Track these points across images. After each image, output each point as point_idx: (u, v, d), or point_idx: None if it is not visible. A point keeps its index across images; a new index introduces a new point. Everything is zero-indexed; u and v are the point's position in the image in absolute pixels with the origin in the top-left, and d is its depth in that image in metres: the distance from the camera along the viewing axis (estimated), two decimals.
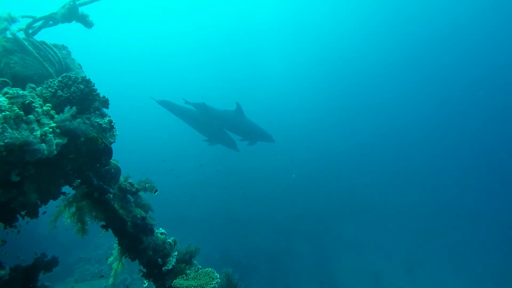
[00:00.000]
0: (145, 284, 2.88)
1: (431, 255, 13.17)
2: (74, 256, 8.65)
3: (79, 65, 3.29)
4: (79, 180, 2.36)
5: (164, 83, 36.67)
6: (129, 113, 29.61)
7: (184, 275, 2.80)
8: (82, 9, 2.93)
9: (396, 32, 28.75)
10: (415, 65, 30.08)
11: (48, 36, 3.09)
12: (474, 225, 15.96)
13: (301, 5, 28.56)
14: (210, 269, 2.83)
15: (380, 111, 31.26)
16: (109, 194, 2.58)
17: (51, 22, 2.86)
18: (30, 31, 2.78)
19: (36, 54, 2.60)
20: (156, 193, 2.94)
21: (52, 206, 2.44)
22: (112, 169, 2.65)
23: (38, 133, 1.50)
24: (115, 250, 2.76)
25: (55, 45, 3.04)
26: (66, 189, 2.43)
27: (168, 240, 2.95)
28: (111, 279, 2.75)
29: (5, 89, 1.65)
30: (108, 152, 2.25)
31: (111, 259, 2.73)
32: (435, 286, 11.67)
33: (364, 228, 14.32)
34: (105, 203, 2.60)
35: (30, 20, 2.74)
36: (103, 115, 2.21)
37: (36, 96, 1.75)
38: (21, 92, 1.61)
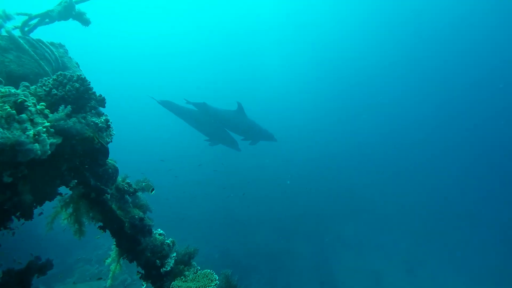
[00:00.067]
0: (143, 286, 2.84)
1: (431, 255, 13.15)
2: (74, 256, 8.61)
3: (77, 63, 3.24)
4: (76, 181, 2.32)
5: (164, 82, 36.62)
6: (129, 112, 29.58)
7: (182, 277, 2.77)
8: (79, 7, 2.89)
9: (396, 32, 28.71)
10: (415, 65, 30.06)
11: (45, 34, 3.05)
12: (474, 225, 15.95)
13: (301, 5, 28.51)
14: (208, 270, 2.79)
15: (380, 111, 31.25)
16: (106, 194, 2.54)
17: (47, 20, 2.82)
18: (26, 29, 2.74)
19: (32, 53, 2.56)
20: (153, 192, 2.90)
21: (49, 207, 2.41)
22: (110, 169, 2.61)
23: (31, 132, 1.46)
24: (113, 251, 2.72)
25: (52, 44, 3.00)
26: (63, 189, 2.39)
27: (167, 241, 2.91)
28: (109, 281, 2.71)
29: None
30: (105, 152, 2.21)
31: (108, 260, 2.69)
32: (435, 286, 11.65)
33: (364, 228, 14.30)
34: (103, 203, 2.56)
35: (25, 17, 2.70)
36: (99, 114, 2.16)
37: (30, 95, 1.71)
38: (13, 90, 1.57)
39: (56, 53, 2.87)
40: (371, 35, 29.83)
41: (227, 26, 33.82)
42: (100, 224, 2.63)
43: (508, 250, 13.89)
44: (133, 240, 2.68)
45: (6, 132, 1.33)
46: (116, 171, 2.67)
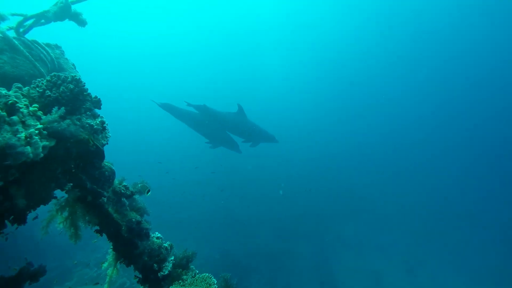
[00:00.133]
0: None
1: (431, 255, 13.13)
2: (73, 259, 8.55)
3: (73, 65, 3.20)
4: (72, 184, 2.28)
5: (162, 83, 36.57)
6: (127, 114, 29.51)
7: (180, 281, 2.73)
8: (75, 7, 2.85)
9: (396, 31, 28.69)
10: (415, 65, 30.05)
11: (41, 35, 3.01)
12: (474, 225, 15.94)
13: (300, 4, 28.48)
14: (207, 274, 2.75)
15: (380, 111, 31.25)
16: (103, 197, 2.50)
17: (43, 21, 2.78)
18: (21, 29, 2.70)
19: (27, 54, 2.52)
20: (149, 193, 2.86)
21: (44, 210, 2.37)
22: (106, 172, 2.56)
23: (22, 135, 1.42)
24: (110, 255, 2.68)
25: (47, 45, 2.95)
26: (59, 193, 2.35)
27: (164, 244, 2.87)
28: (105, 286, 2.67)
29: None
30: (100, 154, 2.17)
31: (105, 265, 2.65)
32: (435, 286, 11.62)
33: (364, 228, 14.28)
34: (99, 207, 2.52)
35: (20, 18, 2.66)
36: (95, 116, 2.12)
37: (22, 96, 1.67)
38: (4, 91, 1.53)
39: (52, 54, 2.83)
40: (371, 35, 29.81)
41: (226, 26, 33.77)
42: (97, 227, 2.59)
43: (508, 250, 13.88)
44: (130, 243, 2.64)
45: None
46: (112, 173, 2.62)
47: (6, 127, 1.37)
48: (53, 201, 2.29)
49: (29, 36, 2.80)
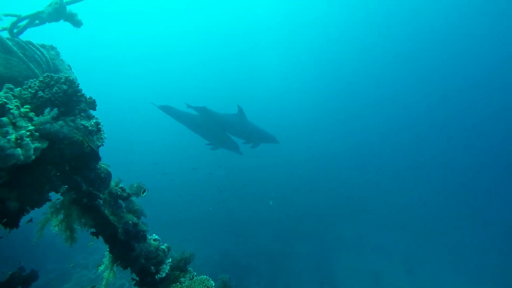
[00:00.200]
0: None
1: (431, 255, 13.11)
2: (72, 261, 8.51)
3: (69, 66, 3.17)
4: (67, 186, 2.25)
5: (160, 83, 36.50)
6: (126, 115, 29.44)
7: (178, 283, 2.70)
8: (70, 8, 2.82)
9: (396, 31, 28.70)
10: (415, 64, 30.06)
11: (37, 36, 2.98)
12: (474, 225, 15.92)
13: (299, 4, 28.48)
14: (205, 276, 2.72)
15: (380, 110, 31.24)
16: (99, 200, 2.46)
17: (37, 22, 2.74)
18: (15, 30, 2.66)
19: (21, 55, 2.48)
20: (145, 193, 2.82)
21: (39, 213, 2.33)
22: (102, 174, 2.53)
23: (12, 137, 1.39)
24: (106, 258, 2.65)
25: (42, 46, 2.92)
26: (54, 195, 2.32)
27: (162, 246, 2.84)
28: None
29: None
30: (95, 156, 2.14)
31: (101, 267, 2.62)
32: (435, 286, 11.59)
33: (364, 228, 14.26)
34: (95, 209, 2.49)
35: (14, 19, 2.62)
36: (89, 117, 2.09)
37: (13, 97, 1.64)
38: None
39: (47, 55, 2.80)
40: (370, 35, 29.82)
41: (224, 25, 33.75)
42: (93, 230, 2.55)
43: (508, 250, 13.86)
44: (126, 246, 2.61)
45: None
46: (109, 175, 2.59)
47: None
48: (48, 203, 2.26)
49: (24, 37, 2.76)
